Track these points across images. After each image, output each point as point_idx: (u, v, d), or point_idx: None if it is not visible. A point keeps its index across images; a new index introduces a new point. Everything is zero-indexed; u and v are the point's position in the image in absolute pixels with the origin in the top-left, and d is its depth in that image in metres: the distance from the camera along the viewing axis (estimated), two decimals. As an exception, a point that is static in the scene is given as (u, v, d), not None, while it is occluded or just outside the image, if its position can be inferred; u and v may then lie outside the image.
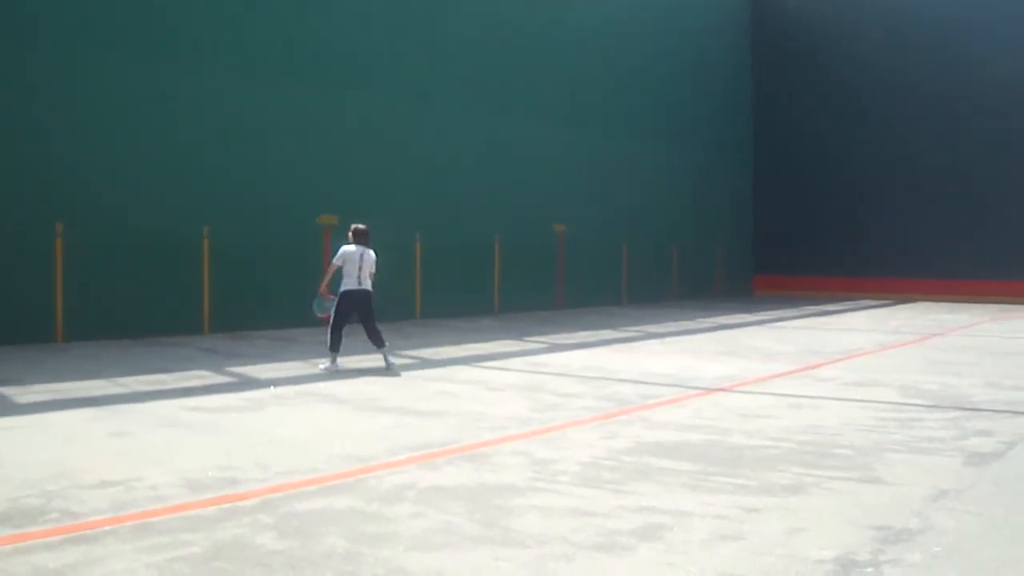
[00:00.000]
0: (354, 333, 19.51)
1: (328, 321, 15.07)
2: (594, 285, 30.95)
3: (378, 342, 14.98)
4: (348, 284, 14.83)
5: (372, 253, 15.14)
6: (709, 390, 13.18)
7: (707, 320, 26.20)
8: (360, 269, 14.89)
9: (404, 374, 14.56)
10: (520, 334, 21.01)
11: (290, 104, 21.73)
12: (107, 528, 6.38)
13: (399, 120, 24.24)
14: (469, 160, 26.31)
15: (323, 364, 14.92)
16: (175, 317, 19.50)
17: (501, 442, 9.44)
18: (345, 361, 15.86)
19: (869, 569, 5.69)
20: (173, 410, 11.16)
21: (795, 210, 39.60)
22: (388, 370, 14.67)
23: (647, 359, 16.92)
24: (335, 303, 14.98)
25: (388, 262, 23.51)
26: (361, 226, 15.41)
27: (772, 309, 30.49)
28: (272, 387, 12.97)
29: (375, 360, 15.94)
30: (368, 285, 14.98)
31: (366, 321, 15.03)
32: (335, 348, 14.81)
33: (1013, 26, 35.07)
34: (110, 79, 18.70)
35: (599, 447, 9.18)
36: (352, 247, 15.05)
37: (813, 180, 39.23)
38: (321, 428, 10.17)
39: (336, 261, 14.98)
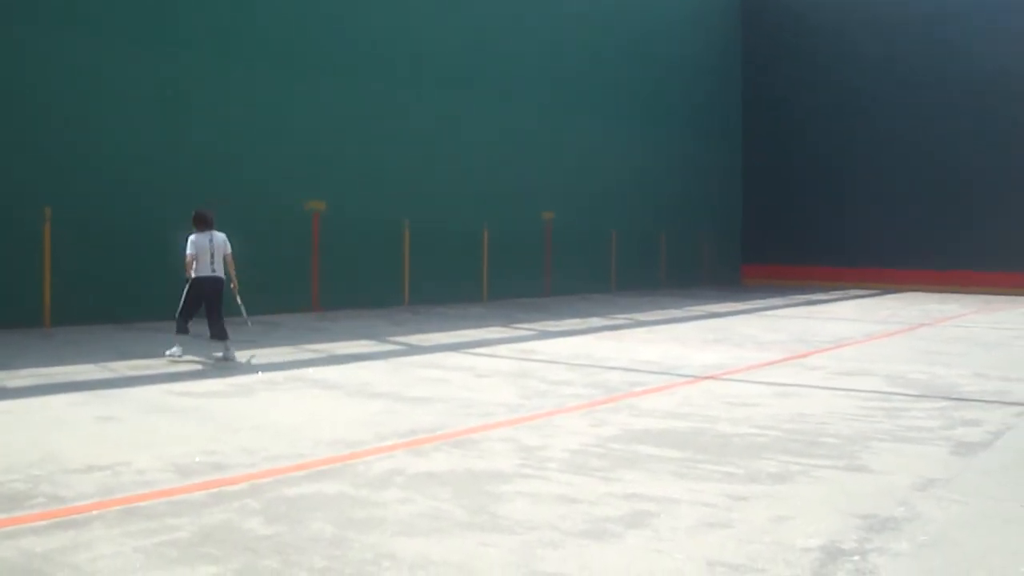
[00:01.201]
0: (339, 319, 19.52)
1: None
2: (583, 273, 30.95)
3: (218, 334, 14.08)
4: (200, 271, 14.05)
5: (221, 236, 14.31)
6: (697, 378, 13.19)
7: (695, 308, 26.22)
8: (211, 255, 14.11)
9: (393, 360, 14.56)
10: (509, 321, 21.01)
11: (278, 90, 21.68)
12: (94, 513, 6.37)
13: (388, 107, 24.20)
14: (458, 147, 26.28)
15: (170, 350, 14.05)
16: (163, 302, 19.40)
17: (489, 428, 9.44)
18: (333, 347, 15.85)
19: (855, 557, 5.71)
20: (160, 395, 11.15)
21: (784, 199, 39.63)
22: (226, 361, 13.88)
23: (635, 347, 16.93)
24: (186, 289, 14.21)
25: (377, 249, 23.64)
26: (203, 210, 14.44)
27: (760, 298, 30.52)
28: (260, 372, 12.96)
29: (364, 346, 15.95)
30: (220, 272, 14.22)
31: (211, 311, 14.14)
32: (182, 331, 14.15)
33: (1001, 17, 35.09)
34: (100, 65, 18.62)
35: (587, 434, 9.19)
36: (200, 235, 14.16)
37: (802, 169, 39.27)
38: (309, 413, 10.17)
39: (189, 253, 14.01)
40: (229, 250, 14.35)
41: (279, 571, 5.35)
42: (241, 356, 14.34)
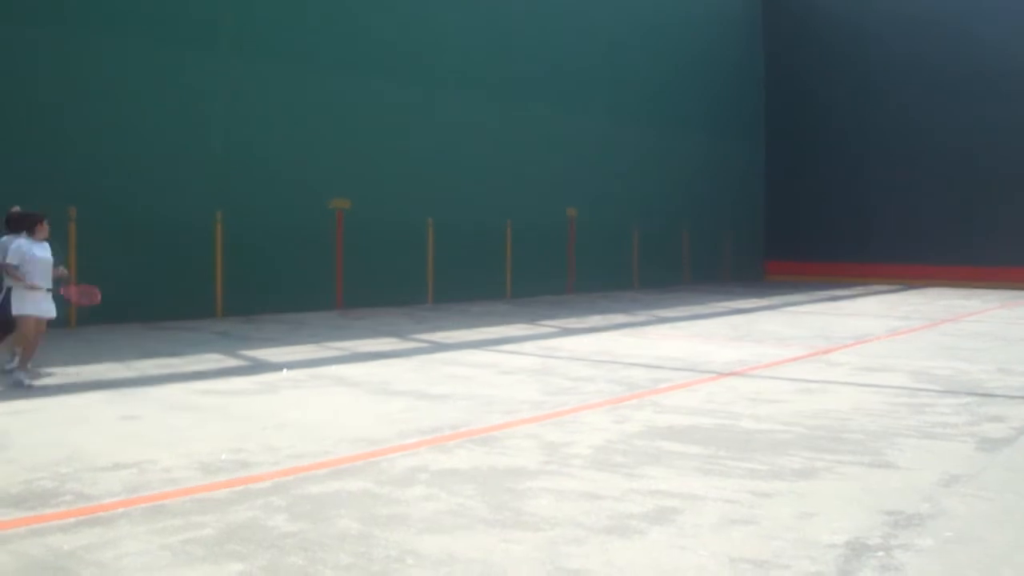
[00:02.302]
0: (362, 317, 19.59)
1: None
2: (606, 270, 30.93)
3: None
4: None
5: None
6: (720, 374, 13.17)
7: (718, 305, 26.17)
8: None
9: (416, 358, 14.58)
10: (532, 318, 21.03)
11: (301, 88, 21.74)
12: (121, 510, 6.41)
13: (412, 105, 24.23)
14: (482, 145, 26.29)
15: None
16: (187, 301, 19.54)
17: (513, 425, 9.45)
18: (356, 345, 15.89)
19: (880, 553, 5.70)
20: (185, 394, 11.19)
21: (807, 195, 39.50)
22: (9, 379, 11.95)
23: (658, 343, 16.92)
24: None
25: (401, 247, 23.68)
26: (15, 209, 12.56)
27: (783, 294, 30.45)
28: (284, 370, 13.01)
29: (388, 344, 15.99)
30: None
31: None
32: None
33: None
34: (120, 63, 18.71)
35: (611, 431, 9.19)
36: (7, 237, 12.28)
37: (825, 165, 39.13)
38: (333, 411, 10.19)
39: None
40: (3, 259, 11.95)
41: (304, 568, 5.37)
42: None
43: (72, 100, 18.08)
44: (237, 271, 20.25)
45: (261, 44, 21.02)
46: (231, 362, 13.85)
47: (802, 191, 39.63)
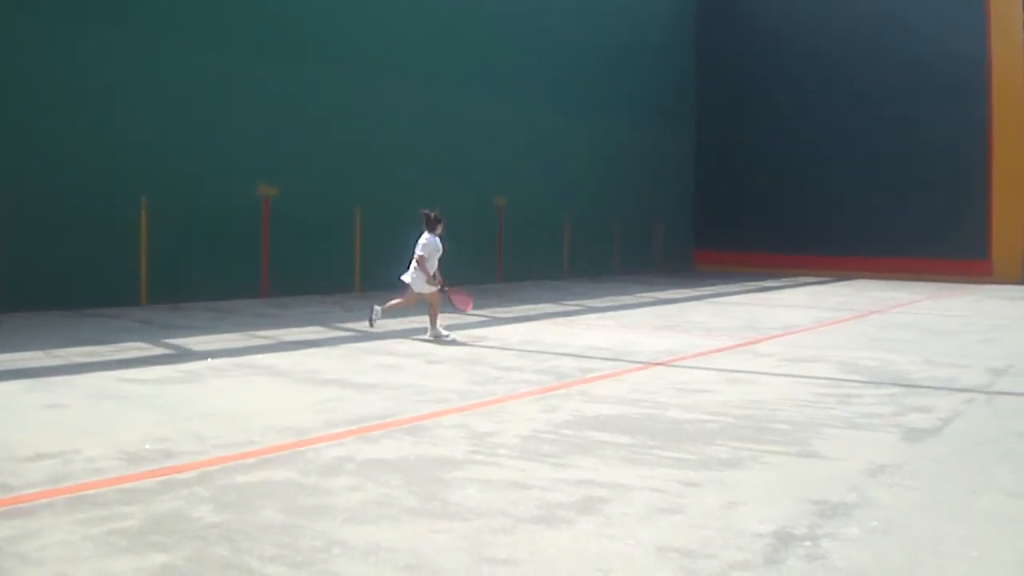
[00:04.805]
0: (290, 305, 19.46)
1: None
2: (536, 259, 30.92)
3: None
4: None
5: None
6: (648, 364, 13.24)
7: (647, 295, 26.28)
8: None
9: (344, 346, 14.52)
10: (461, 307, 20.96)
11: (229, 73, 21.47)
12: (43, 501, 6.31)
13: (339, 91, 24.03)
14: (410, 133, 26.15)
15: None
16: (112, 289, 19.28)
17: (441, 415, 9.44)
18: (283, 333, 15.79)
19: (807, 543, 5.75)
20: (110, 382, 11.06)
21: (736, 186, 39.71)
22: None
23: (587, 333, 16.96)
24: None
25: (329, 234, 23.53)
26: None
27: (712, 284, 30.64)
28: (209, 359, 12.88)
29: (315, 332, 15.91)
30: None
31: None
32: None
33: (950, 8, 35.34)
34: (31, 46, 18.29)
35: (538, 420, 9.20)
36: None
37: (755, 157, 39.34)
38: (259, 400, 10.12)
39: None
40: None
41: (229, 559, 5.32)
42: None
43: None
44: (162, 258, 19.98)
45: (184, 26, 20.69)
46: (156, 350, 13.69)
47: (732, 182, 39.84)
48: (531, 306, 21.97)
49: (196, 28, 20.89)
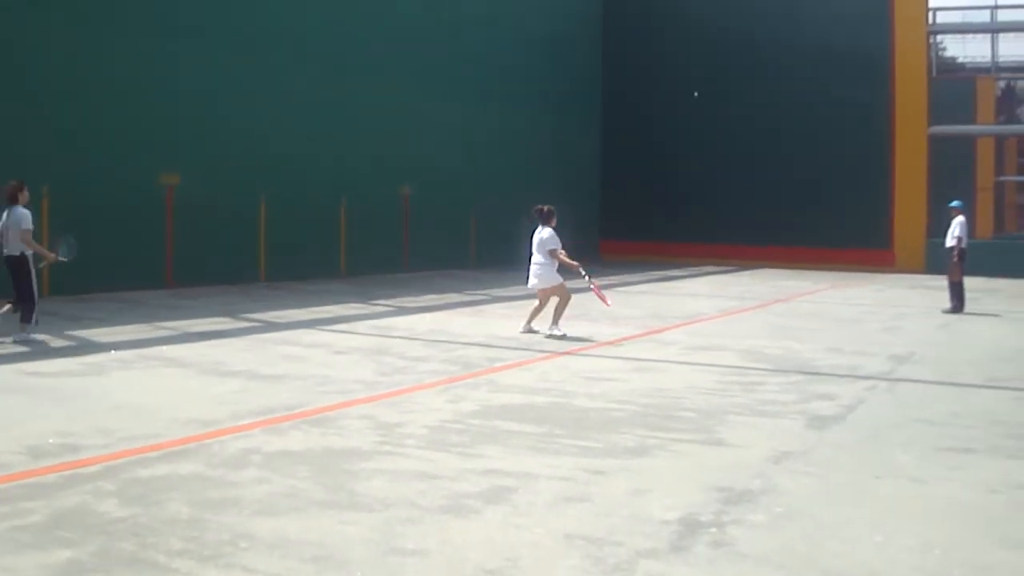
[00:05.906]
0: (194, 295, 19.26)
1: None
2: (443, 249, 30.86)
3: (24, 314, 13.49)
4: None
5: (19, 211, 13.60)
6: (554, 353, 13.29)
7: (553, 284, 26.29)
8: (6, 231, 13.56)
9: (249, 337, 14.41)
10: (367, 297, 20.89)
11: (129, 57, 21.13)
12: (-59, 497, 6.21)
13: (245, 79, 23.78)
14: (315, 122, 25.97)
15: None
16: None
17: (347, 406, 9.41)
18: (188, 324, 15.63)
19: (713, 529, 5.82)
20: (10, 375, 10.87)
21: (641, 177, 39.88)
22: (24, 343, 13.16)
23: (494, 323, 17.00)
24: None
25: (233, 223, 23.31)
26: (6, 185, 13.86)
27: (617, 274, 30.78)
28: (113, 351, 12.71)
29: (220, 323, 15.77)
30: (15, 250, 13.58)
31: (14, 288, 13.72)
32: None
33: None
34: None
35: (445, 410, 9.21)
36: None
37: (660, 147, 39.54)
38: (164, 393, 10.01)
39: None
40: (27, 226, 13.61)
41: (135, 554, 5.27)
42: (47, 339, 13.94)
43: None
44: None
45: (88, 9, 20.36)
46: (59, 342, 13.48)
47: (637, 172, 40.01)
48: (438, 296, 21.96)
49: (94, 14, 20.51)
